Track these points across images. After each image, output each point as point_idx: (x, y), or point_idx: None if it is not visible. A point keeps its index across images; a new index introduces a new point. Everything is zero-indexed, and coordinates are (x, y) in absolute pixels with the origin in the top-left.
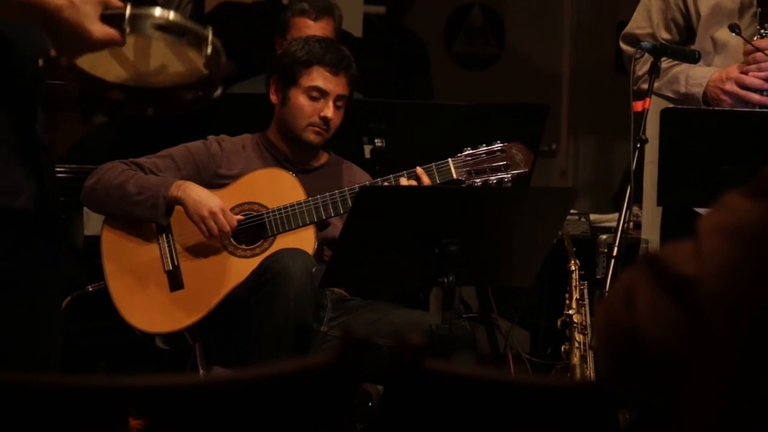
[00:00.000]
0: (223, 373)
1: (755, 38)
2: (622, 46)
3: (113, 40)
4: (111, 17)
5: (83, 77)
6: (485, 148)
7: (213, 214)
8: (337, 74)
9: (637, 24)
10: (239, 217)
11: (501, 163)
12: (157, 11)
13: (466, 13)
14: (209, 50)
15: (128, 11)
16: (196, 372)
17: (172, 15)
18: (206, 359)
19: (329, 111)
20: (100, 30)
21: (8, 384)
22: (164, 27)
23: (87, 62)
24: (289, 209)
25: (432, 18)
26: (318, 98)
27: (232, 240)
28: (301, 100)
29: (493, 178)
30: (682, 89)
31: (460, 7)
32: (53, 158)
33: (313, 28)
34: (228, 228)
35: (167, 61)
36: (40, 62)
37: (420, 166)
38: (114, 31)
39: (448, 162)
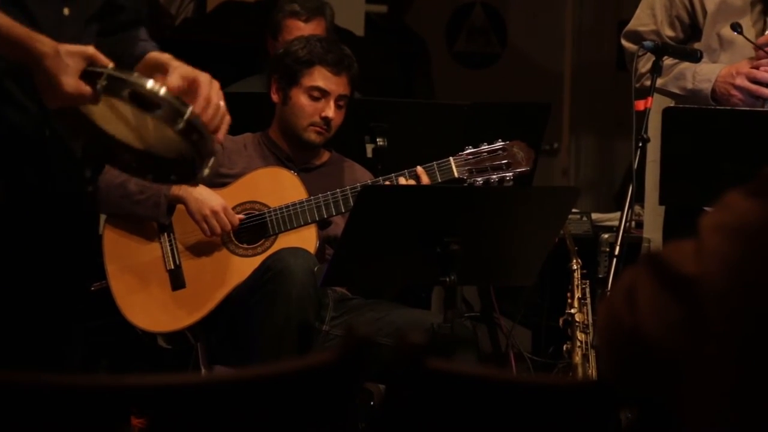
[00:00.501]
0: (225, 372)
1: (767, 33)
2: (624, 43)
3: (84, 96)
4: (90, 74)
5: (93, 128)
6: (487, 146)
7: (215, 212)
8: (339, 74)
9: (640, 21)
10: (241, 216)
11: (502, 162)
12: (138, 78)
13: (467, 12)
14: (180, 126)
15: (107, 72)
16: (198, 371)
17: (150, 84)
18: (208, 358)
19: (330, 111)
20: (73, 84)
21: (10, 383)
22: (138, 96)
23: (99, 117)
24: (290, 208)
25: (434, 17)
26: (319, 98)
27: (233, 239)
28: (302, 99)
29: (495, 176)
30: (689, 86)
31: (462, 6)
32: (73, 159)
33: (305, 29)
34: (229, 227)
35: (143, 122)
36: None
37: (421, 165)
38: (87, 88)
39: (449, 160)
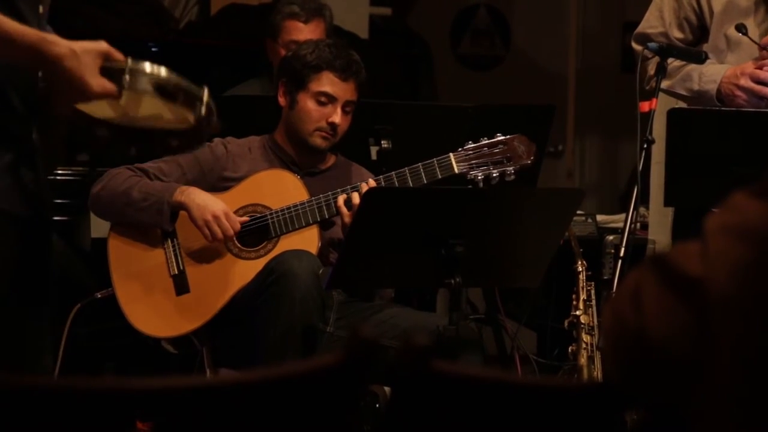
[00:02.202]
0: (230, 375)
1: None
2: (634, 46)
3: (110, 94)
4: (110, 71)
5: (71, 110)
6: (487, 141)
7: (216, 218)
8: (346, 80)
9: (649, 23)
10: (243, 219)
11: (503, 156)
12: (160, 70)
13: (472, 14)
14: (203, 110)
15: (128, 66)
16: (203, 374)
17: (171, 75)
18: (213, 361)
19: (337, 117)
20: (98, 83)
21: (15, 386)
22: (161, 87)
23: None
24: (292, 210)
25: (438, 19)
26: (326, 103)
27: (236, 242)
28: (309, 104)
29: (496, 171)
30: (696, 87)
31: (466, 8)
32: (47, 166)
33: (304, 30)
34: (231, 232)
35: (158, 111)
36: (40, 73)
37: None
38: (112, 86)
39: (449, 156)
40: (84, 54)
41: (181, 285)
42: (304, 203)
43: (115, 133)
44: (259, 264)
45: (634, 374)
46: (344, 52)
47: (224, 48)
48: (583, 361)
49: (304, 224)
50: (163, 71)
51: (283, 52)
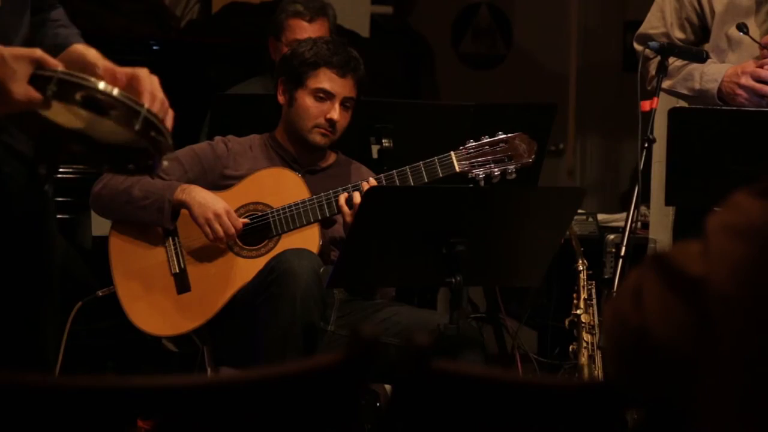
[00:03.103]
0: (231, 373)
1: None
2: (636, 46)
3: (34, 102)
4: (39, 79)
5: (42, 122)
6: (488, 139)
7: (218, 216)
8: (344, 76)
9: (651, 24)
10: (245, 220)
11: (504, 154)
12: (87, 81)
13: (473, 13)
14: (138, 126)
15: (56, 75)
16: (204, 372)
17: (102, 85)
18: (214, 360)
19: (335, 113)
20: (21, 91)
21: (15, 384)
22: (90, 99)
23: (50, 112)
24: (293, 208)
25: (439, 18)
26: (324, 100)
27: (237, 241)
28: (308, 101)
29: (497, 169)
30: (697, 86)
31: (468, 7)
32: (25, 164)
33: (308, 29)
34: (233, 230)
35: (97, 126)
36: None
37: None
38: (37, 95)
39: (450, 155)
40: (13, 60)
41: (182, 283)
42: (305, 201)
43: (88, 148)
44: (260, 262)
45: (635, 373)
46: (342, 49)
47: (225, 46)
48: (583, 360)
49: (305, 223)
50: (99, 83)
51: (286, 51)
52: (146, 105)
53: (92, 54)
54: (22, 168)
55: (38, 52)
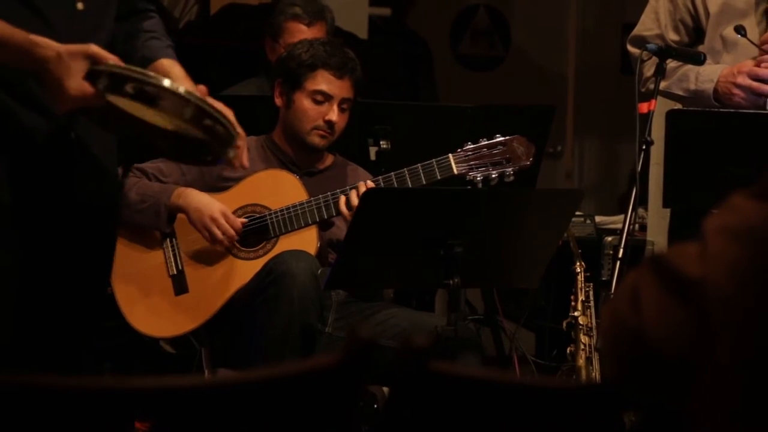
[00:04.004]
0: (229, 375)
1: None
2: (630, 48)
3: (88, 97)
4: (93, 73)
5: (134, 122)
6: (486, 141)
7: (214, 220)
8: (342, 78)
9: (645, 26)
10: (243, 219)
11: (502, 157)
12: (137, 72)
13: (471, 15)
14: (190, 111)
15: (108, 69)
16: (202, 374)
17: (151, 76)
18: (211, 361)
19: (334, 115)
20: (76, 87)
21: (14, 385)
22: (141, 90)
23: (125, 105)
24: (291, 210)
25: (437, 19)
26: (322, 102)
27: (235, 242)
28: (306, 103)
29: (495, 172)
30: (692, 86)
31: (466, 9)
32: (101, 161)
33: (307, 32)
34: (232, 232)
35: (147, 116)
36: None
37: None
38: (90, 89)
39: (448, 157)
40: (69, 57)
41: (179, 285)
42: (303, 203)
43: (171, 143)
44: (257, 264)
45: (633, 375)
46: (339, 50)
47: (224, 48)
48: (581, 362)
49: (303, 225)
50: (149, 75)
51: (283, 53)
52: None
53: (176, 71)
54: (96, 167)
55: (93, 48)
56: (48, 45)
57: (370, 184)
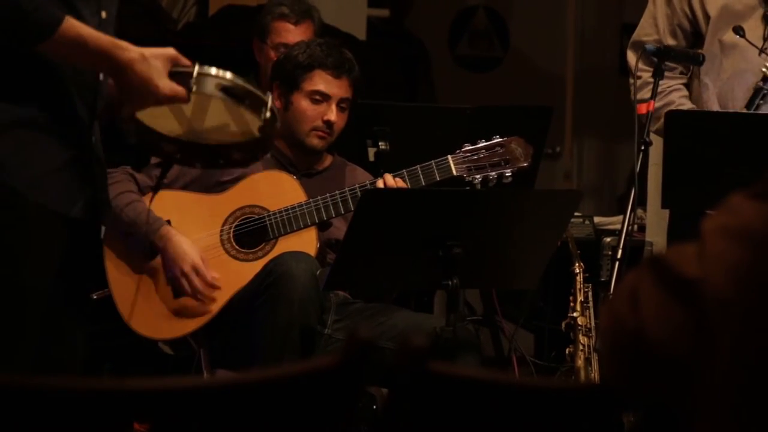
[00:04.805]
0: (228, 376)
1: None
2: (629, 55)
3: (179, 96)
4: (179, 75)
5: (141, 128)
6: (484, 143)
7: (185, 274)
8: (339, 77)
9: (644, 31)
10: (214, 274)
11: (501, 158)
12: (226, 74)
13: (470, 16)
14: (267, 114)
15: (196, 70)
16: (201, 375)
17: (237, 79)
18: (211, 363)
19: (332, 115)
20: (167, 86)
21: (13, 387)
22: (228, 89)
23: (146, 115)
24: (290, 211)
25: (436, 20)
26: (321, 102)
27: (234, 244)
28: (304, 104)
29: (493, 173)
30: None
31: (465, 10)
32: (105, 169)
33: (294, 32)
34: (200, 288)
35: (223, 121)
36: (101, 76)
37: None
38: (181, 89)
39: (447, 159)
40: (153, 58)
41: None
42: (302, 205)
43: (181, 149)
44: (257, 266)
45: (632, 375)
46: (336, 50)
47: (222, 49)
48: (580, 362)
49: (302, 226)
50: (228, 74)
51: (271, 53)
52: (269, 92)
53: None
54: (104, 173)
55: (173, 51)
56: (131, 48)
57: (389, 178)
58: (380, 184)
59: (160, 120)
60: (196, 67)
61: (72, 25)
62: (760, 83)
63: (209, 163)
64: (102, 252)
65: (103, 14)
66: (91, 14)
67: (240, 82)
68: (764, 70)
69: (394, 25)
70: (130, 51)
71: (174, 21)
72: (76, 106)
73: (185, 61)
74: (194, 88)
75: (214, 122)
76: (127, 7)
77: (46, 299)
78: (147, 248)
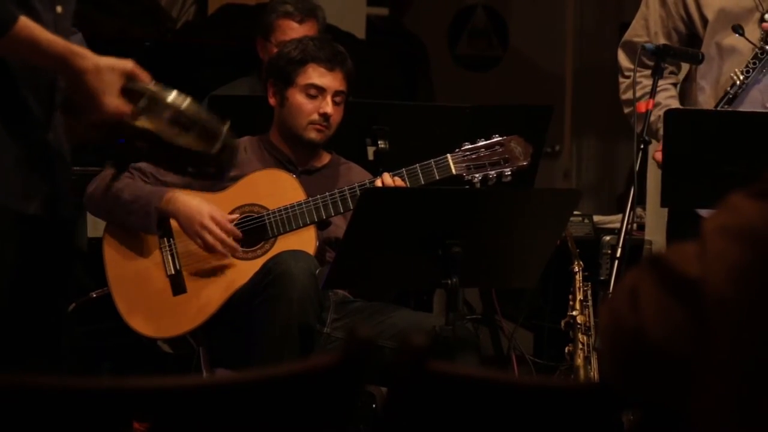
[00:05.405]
0: (227, 375)
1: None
2: (620, 55)
3: (123, 115)
4: (131, 92)
5: (153, 139)
6: (484, 142)
7: (204, 226)
8: (333, 70)
9: (635, 32)
10: (234, 216)
11: (500, 157)
12: (176, 99)
13: (469, 15)
14: (216, 147)
15: (148, 91)
16: (200, 374)
17: (188, 107)
18: (210, 361)
19: (328, 107)
20: (113, 104)
21: (12, 386)
22: (175, 119)
23: (158, 130)
24: (289, 210)
25: (435, 19)
26: (316, 95)
27: (233, 244)
28: (299, 98)
29: (493, 172)
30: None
31: (464, 9)
32: (68, 164)
33: (298, 30)
34: (223, 236)
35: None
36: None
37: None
38: (127, 108)
39: (446, 158)
40: (107, 71)
41: (177, 285)
42: (301, 203)
43: (153, 146)
44: (256, 264)
45: (631, 374)
46: (328, 44)
47: (221, 48)
48: (579, 361)
49: (301, 225)
50: (185, 103)
51: (275, 51)
52: (226, 124)
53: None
54: (66, 169)
55: (130, 65)
56: (86, 56)
57: (387, 177)
58: (378, 183)
59: (166, 133)
60: (150, 88)
61: (26, 26)
62: (728, 89)
63: (177, 169)
64: (76, 250)
65: (59, 9)
66: (46, 9)
67: (194, 111)
68: (733, 76)
69: (393, 23)
70: (85, 60)
71: (173, 20)
72: (28, 102)
73: (143, 77)
74: (140, 111)
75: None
76: (126, 6)
77: (5, 298)
78: (153, 218)
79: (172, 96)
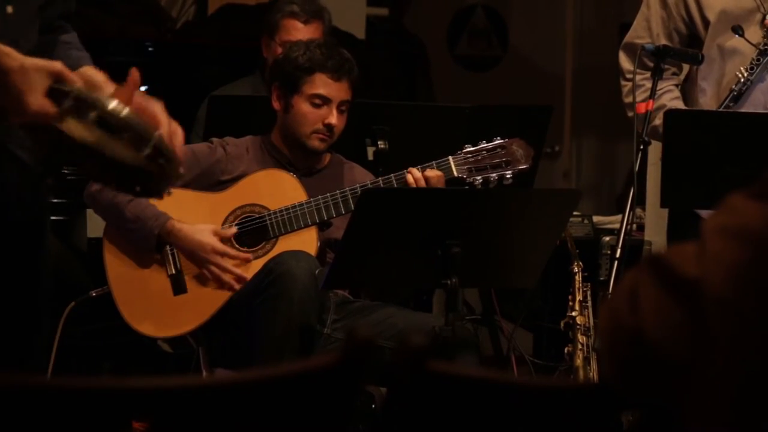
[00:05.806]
0: (226, 375)
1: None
2: (621, 57)
3: (48, 116)
4: (57, 93)
5: (56, 134)
6: (485, 144)
7: (209, 262)
8: (339, 80)
9: (637, 33)
10: (233, 229)
11: (502, 160)
12: (106, 102)
13: (469, 15)
14: (147, 152)
15: (73, 92)
16: (200, 374)
17: (113, 106)
18: (210, 361)
19: (333, 118)
20: (37, 103)
21: (11, 386)
22: (105, 120)
23: (87, 135)
24: (290, 210)
25: (435, 19)
26: (321, 105)
27: (234, 242)
28: (305, 107)
29: (494, 175)
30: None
31: (463, 9)
32: (19, 164)
33: (303, 31)
34: (229, 266)
35: (108, 144)
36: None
37: (421, 165)
38: (52, 109)
39: (448, 160)
40: (34, 71)
41: (178, 285)
42: (302, 204)
43: (98, 163)
44: (257, 264)
45: (631, 375)
46: (335, 52)
47: (221, 48)
48: (579, 362)
49: (302, 225)
50: (112, 104)
51: (279, 50)
52: (159, 130)
53: (100, 77)
54: (20, 174)
55: (58, 65)
56: (12, 55)
57: (415, 171)
58: (410, 178)
59: (76, 130)
60: (75, 89)
61: None
62: (733, 86)
63: (124, 187)
64: (46, 247)
65: (9, 9)
66: None
67: (119, 113)
68: (738, 74)
69: (393, 23)
70: (10, 59)
71: (173, 20)
72: None
73: (70, 79)
74: (65, 111)
75: (120, 148)
76: (126, 6)
77: None
78: (152, 243)
79: (101, 98)
